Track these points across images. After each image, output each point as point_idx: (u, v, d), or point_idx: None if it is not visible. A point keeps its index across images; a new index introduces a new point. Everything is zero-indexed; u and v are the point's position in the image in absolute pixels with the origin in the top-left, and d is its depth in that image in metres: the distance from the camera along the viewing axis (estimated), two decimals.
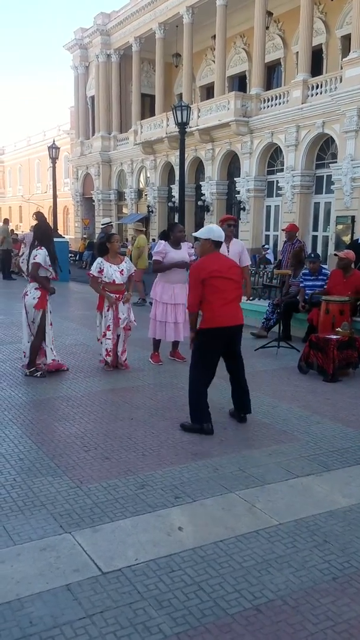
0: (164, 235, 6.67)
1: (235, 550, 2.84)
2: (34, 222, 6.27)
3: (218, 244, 4.71)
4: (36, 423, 4.61)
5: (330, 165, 18.78)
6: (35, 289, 6.00)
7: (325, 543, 2.93)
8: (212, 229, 4.75)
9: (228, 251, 6.99)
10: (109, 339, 6.23)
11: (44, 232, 6.12)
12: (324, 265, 8.91)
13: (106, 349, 6.26)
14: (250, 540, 2.94)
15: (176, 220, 18.12)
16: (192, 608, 2.42)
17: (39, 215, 6.29)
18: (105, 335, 6.24)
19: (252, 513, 3.22)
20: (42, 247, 5.99)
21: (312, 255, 8.41)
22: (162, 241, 6.58)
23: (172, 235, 6.55)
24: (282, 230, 9.67)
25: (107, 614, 2.36)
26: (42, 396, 5.36)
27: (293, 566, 2.73)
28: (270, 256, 19.74)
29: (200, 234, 4.75)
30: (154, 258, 6.55)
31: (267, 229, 22.86)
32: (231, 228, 7.12)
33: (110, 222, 13.01)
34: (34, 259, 5.93)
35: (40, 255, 5.94)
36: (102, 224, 12.51)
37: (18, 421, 4.63)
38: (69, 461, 3.85)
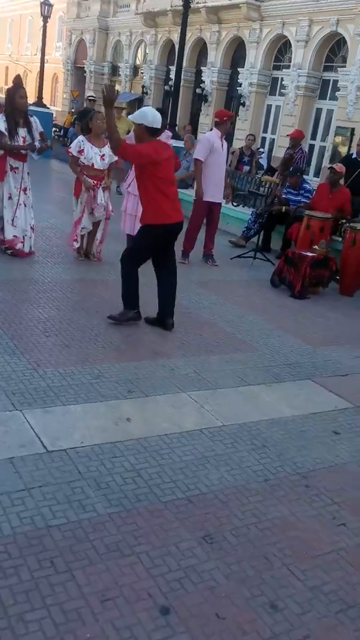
0: None
1: (178, 444, 2.99)
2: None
3: (153, 132, 4.27)
4: None
5: (338, 69, 17.71)
6: None
7: (263, 447, 3.09)
8: (145, 113, 4.27)
9: (223, 148, 6.74)
10: (84, 227, 6.07)
11: (8, 96, 5.64)
12: (314, 179, 8.62)
13: (76, 234, 6.10)
14: (194, 437, 3.08)
15: (170, 107, 17.13)
16: (128, 492, 2.57)
17: (14, 80, 5.82)
18: (80, 221, 6.04)
19: (200, 413, 3.36)
20: (1, 113, 5.66)
21: (292, 169, 8.05)
22: None
23: None
24: (287, 135, 9.20)
25: (46, 489, 2.49)
26: (8, 277, 5.29)
27: (229, 465, 2.89)
28: (263, 161, 19.01)
29: (134, 117, 4.35)
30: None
31: (265, 130, 21.88)
32: (230, 126, 6.85)
33: (94, 97, 12.11)
34: None
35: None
36: (88, 97, 11.77)
37: None
38: (28, 343, 3.89)
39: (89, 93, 12.57)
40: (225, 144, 6.84)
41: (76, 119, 11.86)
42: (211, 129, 7.15)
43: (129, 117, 4.48)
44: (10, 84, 5.95)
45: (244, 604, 2.09)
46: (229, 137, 7.12)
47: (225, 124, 6.74)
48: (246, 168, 10.55)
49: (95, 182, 5.95)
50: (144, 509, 2.49)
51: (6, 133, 5.54)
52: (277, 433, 3.27)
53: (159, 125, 4.33)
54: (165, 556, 2.24)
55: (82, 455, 2.77)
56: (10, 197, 5.78)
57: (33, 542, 2.19)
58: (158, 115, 4.32)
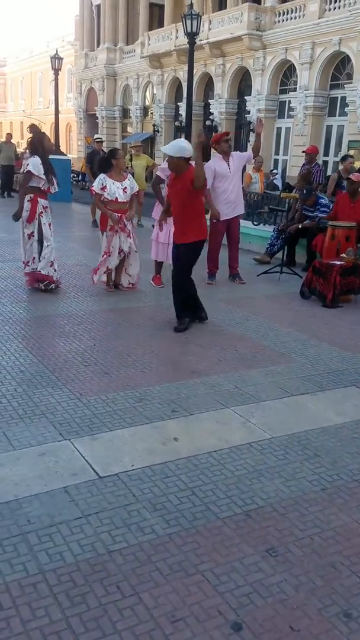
0: None
1: (229, 460, 2.94)
2: (29, 136, 6.05)
3: (188, 160, 4.96)
4: (37, 338, 4.65)
5: (345, 85, 17.90)
6: (27, 201, 5.90)
7: (316, 457, 3.01)
8: (182, 147, 4.90)
9: (230, 169, 6.76)
10: (111, 259, 6.17)
11: (38, 140, 5.89)
12: (324, 195, 8.63)
13: (107, 267, 6.21)
14: (243, 451, 3.03)
15: None
16: (184, 511, 2.52)
17: (33, 128, 6.08)
18: (108, 253, 6.15)
19: (246, 427, 3.30)
20: (35, 156, 5.83)
21: (304, 191, 8.03)
22: None
23: None
24: (303, 152, 9.41)
25: (103, 515, 2.46)
26: (43, 313, 5.38)
27: (283, 476, 2.82)
28: (278, 182, 19.16)
29: (171, 151, 4.88)
30: (156, 173, 6.35)
31: (277, 152, 22.13)
32: (228, 143, 6.87)
33: (101, 139, 12.60)
34: (26, 167, 5.81)
35: (32, 162, 5.77)
36: (95, 139, 12.20)
37: (19, 336, 4.67)
38: (69, 375, 3.92)
39: (96, 135, 13.00)
40: (235, 161, 6.81)
41: (86, 161, 12.28)
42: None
43: (162, 149, 5.11)
44: (25, 138, 6.28)
45: (317, 615, 2.00)
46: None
47: (219, 148, 6.78)
48: None
49: (120, 214, 6.08)
50: (202, 527, 2.43)
51: (42, 176, 5.79)
52: (329, 441, 3.18)
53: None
54: (230, 572, 2.18)
55: (134, 478, 2.74)
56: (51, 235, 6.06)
57: (97, 569, 2.16)
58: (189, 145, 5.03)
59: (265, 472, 2.85)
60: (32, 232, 5.96)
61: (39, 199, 5.91)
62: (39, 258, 5.98)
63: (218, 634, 1.90)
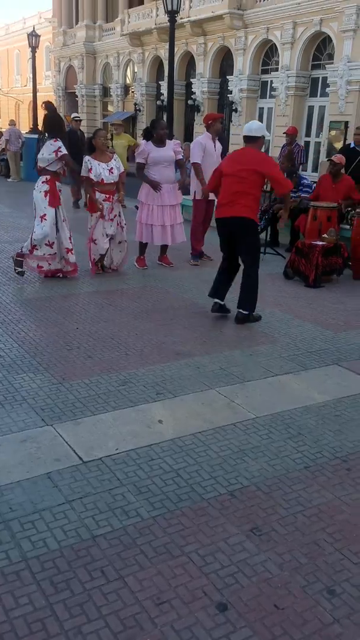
0: (147, 134, 6.35)
1: (213, 440, 2.93)
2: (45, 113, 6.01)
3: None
4: (17, 322, 4.57)
5: (326, 66, 17.76)
6: (42, 182, 5.77)
7: (299, 435, 3.03)
8: (261, 127, 5.01)
9: (216, 149, 6.74)
10: (100, 251, 6.10)
11: (57, 122, 5.87)
12: (313, 174, 8.57)
13: (99, 254, 6.14)
14: (228, 432, 3.03)
15: (165, 120, 17.25)
16: (169, 493, 2.51)
17: (48, 105, 6.04)
18: (92, 241, 6.07)
19: (231, 408, 3.30)
20: (57, 140, 5.70)
21: (286, 174, 7.93)
22: (144, 141, 6.32)
23: (154, 132, 6.23)
24: (284, 133, 9.39)
25: (87, 500, 2.44)
26: (23, 296, 5.30)
27: (267, 455, 2.83)
28: None
29: (257, 132, 4.89)
30: (136, 160, 6.27)
31: None
32: (222, 125, 6.85)
33: (78, 117, 12.34)
34: (59, 151, 5.62)
35: (63, 146, 5.67)
36: (74, 118, 11.98)
37: None
38: (50, 359, 3.87)
39: (74, 114, 12.75)
40: (218, 145, 6.86)
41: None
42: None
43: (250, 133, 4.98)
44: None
45: (301, 592, 2.02)
46: (224, 142, 7.20)
47: (214, 126, 6.75)
48: None
49: (107, 196, 5.99)
50: (187, 508, 2.43)
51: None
52: (311, 420, 3.20)
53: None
54: (215, 553, 2.18)
55: (118, 462, 2.72)
56: (64, 220, 5.89)
57: (81, 554, 2.14)
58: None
59: (249, 451, 2.86)
60: (45, 215, 5.76)
61: (56, 182, 5.79)
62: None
63: (203, 615, 1.90)
